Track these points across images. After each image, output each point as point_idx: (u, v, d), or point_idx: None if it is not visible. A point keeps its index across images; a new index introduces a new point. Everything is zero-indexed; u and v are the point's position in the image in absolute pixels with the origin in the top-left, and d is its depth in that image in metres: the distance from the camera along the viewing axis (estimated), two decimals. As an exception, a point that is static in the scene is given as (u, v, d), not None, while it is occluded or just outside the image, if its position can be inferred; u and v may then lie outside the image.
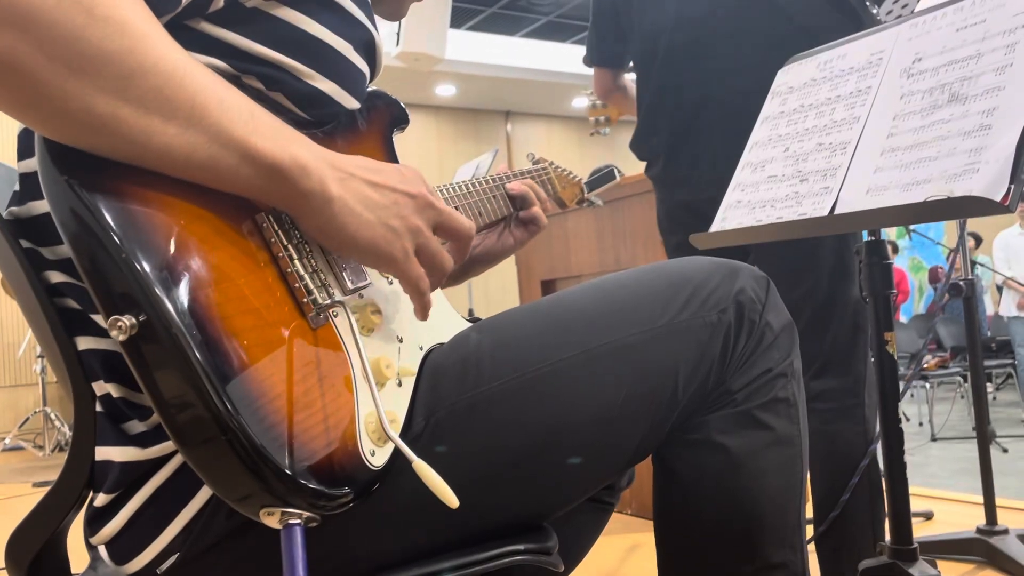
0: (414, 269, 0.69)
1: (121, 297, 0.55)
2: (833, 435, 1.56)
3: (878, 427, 1.12)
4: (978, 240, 7.82)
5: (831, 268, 1.57)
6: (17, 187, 0.70)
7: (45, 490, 0.71)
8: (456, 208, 0.96)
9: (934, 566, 1.08)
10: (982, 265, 4.39)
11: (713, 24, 1.61)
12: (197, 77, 0.58)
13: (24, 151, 0.69)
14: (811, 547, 1.60)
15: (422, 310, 0.72)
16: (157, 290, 0.55)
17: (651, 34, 1.72)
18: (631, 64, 1.93)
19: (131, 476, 0.67)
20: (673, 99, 1.69)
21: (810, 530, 1.05)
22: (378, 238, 0.66)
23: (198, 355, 0.55)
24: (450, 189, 0.98)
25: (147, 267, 0.55)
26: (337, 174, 0.65)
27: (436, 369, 0.75)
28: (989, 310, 8.20)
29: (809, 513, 1.32)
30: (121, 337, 0.54)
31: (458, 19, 8.04)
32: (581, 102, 9.91)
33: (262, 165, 0.60)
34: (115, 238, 0.55)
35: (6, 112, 0.54)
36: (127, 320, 0.54)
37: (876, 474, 1.55)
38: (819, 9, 1.53)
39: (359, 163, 0.68)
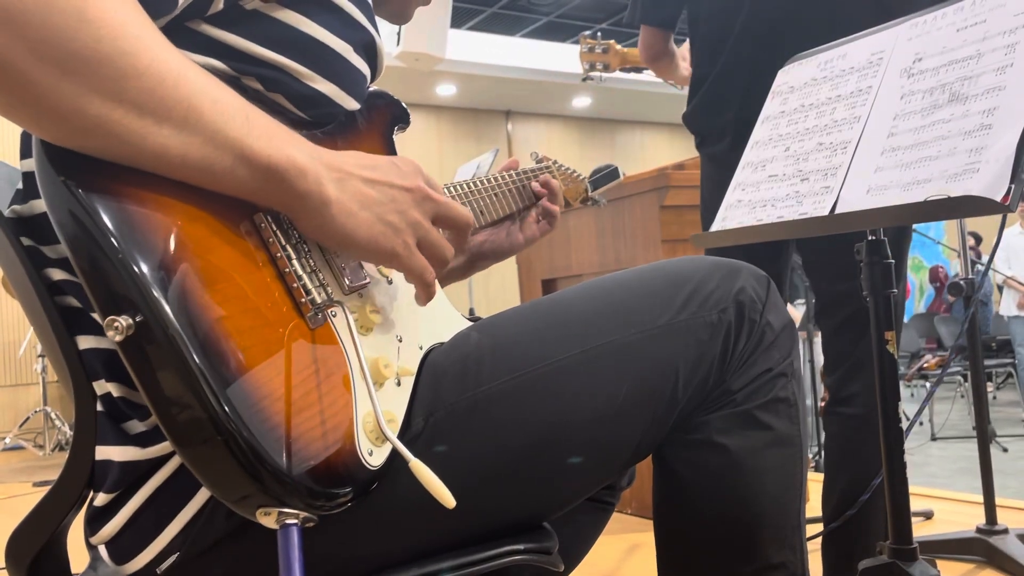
0: (418, 261, 0.70)
1: (118, 298, 0.55)
2: (857, 443, 1.54)
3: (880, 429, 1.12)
4: (978, 239, 7.82)
5: None
6: (20, 185, 0.70)
7: (45, 489, 0.71)
8: (465, 204, 0.98)
9: (934, 566, 1.08)
10: (984, 264, 4.39)
11: (804, 9, 1.53)
12: (192, 78, 0.58)
13: (26, 150, 0.69)
14: (816, 547, 1.60)
15: (426, 298, 0.73)
16: (154, 291, 0.55)
17: (726, 8, 1.63)
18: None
19: (131, 476, 0.67)
20: (748, 75, 1.58)
21: (810, 530, 1.05)
22: (378, 235, 0.67)
23: (195, 356, 0.55)
24: (459, 188, 1.00)
25: (144, 268, 0.55)
26: (334, 174, 0.64)
27: (436, 368, 0.75)
28: (991, 310, 8.19)
29: (810, 513, 1.32)
30: (118, 338, 0.54)
31: (458, 19, 8.04)
32: (582, 102, 9.91)
33: (257, 166, 0.60)
34: (112, 239, 0.55)
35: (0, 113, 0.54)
36: (124, 321, 0.54)
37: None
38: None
39: (355, 160, 0.68)
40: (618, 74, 2.25)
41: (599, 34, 2.12)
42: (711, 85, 1.69)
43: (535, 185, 1.13)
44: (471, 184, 1.02)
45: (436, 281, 0.73)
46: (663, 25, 1.87)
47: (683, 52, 2.01)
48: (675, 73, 1.93)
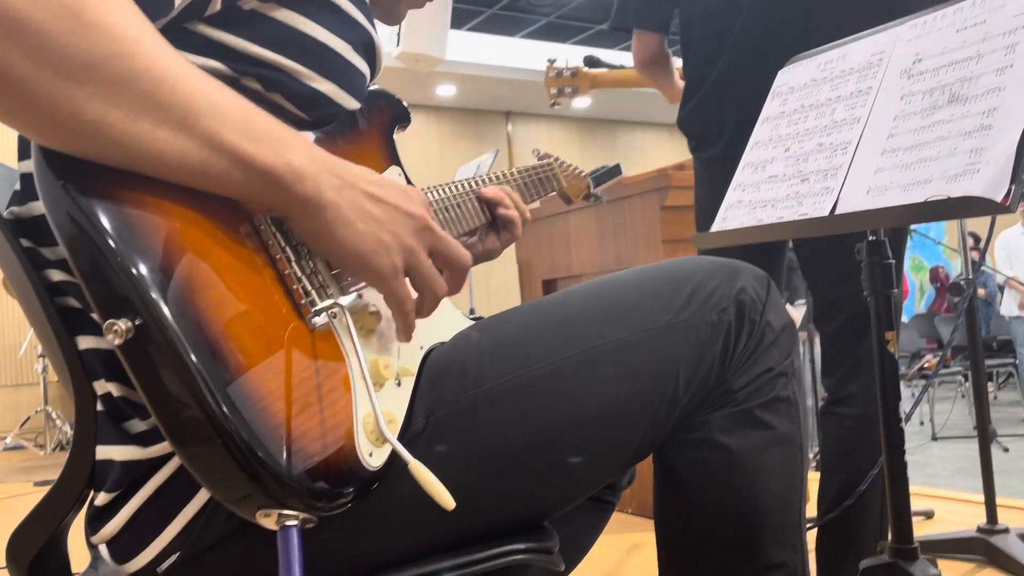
0: (401, 288, 0.68)
1: (117, 301, 0.55)
2: (855, 442, 1.53)
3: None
4: (977, 239, 7.82)
5: None
6: (18, 187, 0.70)
7: (46, 489, 0.72)
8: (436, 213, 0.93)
9: (935, 565, 1.08)
10: (987, 267, 4.40)
11: (806, 9, 1.52)
12: (189, 81, 0.57)
13: (24, 152, 0.69)
14: (816, 550, 1.60)
15: (404, 332, 0.70)
16: (153, 294, 0.55)
17: (724, 9, 1.61)
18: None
19: (132, 475, 0.67)
20: (747, 79, 1.55)
21: (811, 532, 1.05)
22: (368, 250, 0.65)
23: (194, 358, 0.55)
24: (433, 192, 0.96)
25: (143, 271, 0.55)
26: (334, 180, 0.64)
27: (436, 368, 0.75)
28: (995, 310, 8.19)
29: (810, 513, 1.32)
30: (117, 341, 0.54)
31: (459, 20, 8.03)
32: (581, 102, 9.91)
33: (254, 170, 0.60)
34: (111, 242, 0.55)
35: None
36: (123, 324, 0.54)
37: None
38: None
39: (361, 174, 0.67)
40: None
41: (567, 59, 2.05)
42: (709, 88, 1.67)
43: (484, 191, 1.04)
44: (442, 191, 0.98)
45: (422, 316, 0.71)
46: (659, 28, 1.82)
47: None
48: (668, 81, 1.88)
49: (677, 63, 1.94)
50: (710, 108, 1.68)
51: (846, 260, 1.53)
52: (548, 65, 2.01)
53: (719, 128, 1.66)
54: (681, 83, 1.97)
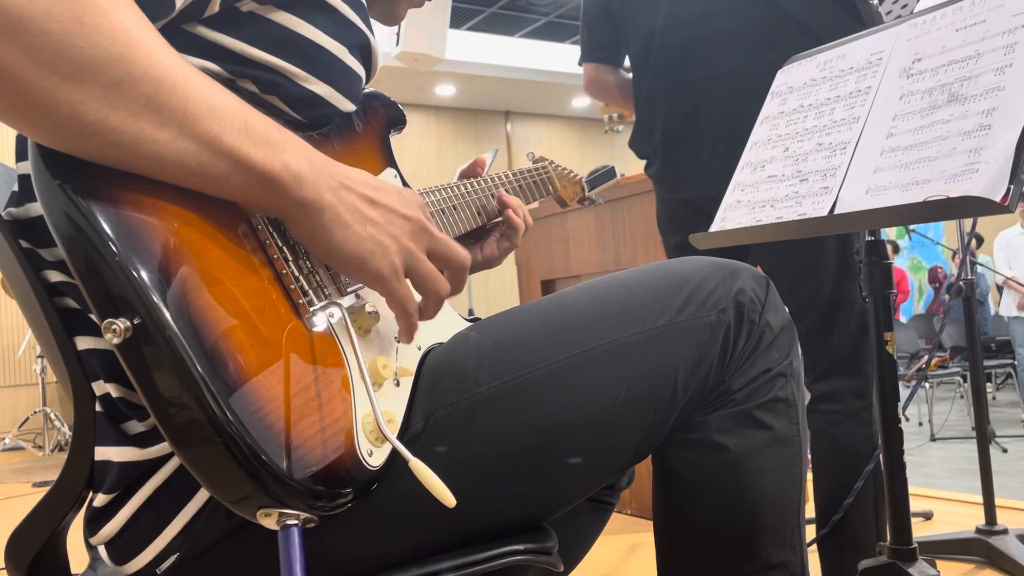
0: (402, 289, 0.68)
1: (116, 300, 0.55)
2: (838, 437, 1.55)
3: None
4: (979, 240, 7.82)
5: (835, 269, 1.56)
6: (16, 188, 0.70)
7: (45, 490, 0.71)
8: (433, 214, 0.93)
9: (934, 566, 1.08)
10: (982, 265, 4.40)
11: (709, 24, 1.60)
12: (190, 83, 0.57)
13: (22, 152, 0.69)
14: (815, 548, 1.60)
15: (407, 332, 0.70)
16: (151, 293, 0.54)
17: (644, 34, 1.71)
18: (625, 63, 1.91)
19: (130, 476, 0.67)
20: (666, 99, 1.67)
21: (811, 531, 1.05)
22: (367, 253, 0.65)
23: (193, 358, 0.55)
24: (432, 193, 0.96)
25: (141, 270, 0.55)
26: (332, 183, 0.64)
27: (435, 369, 0.75)
28: (990, 310, 8.20)
29: (810, 513, 1.32)
30: (116, 340, 0.54)
31: (458, 19, 8.04)
32: (581, 102, 9.91)
33: (253, 173, 0.60)
34: (109, 242, 0.54)
35: None
36: (122, 324, 0.54)
37: (880, 475, 1.54)
38: (820, 6, 1.52)
39: (359, 178, 0.67)
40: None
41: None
42: (642, 109, 1.75)
43: (500, 199, 1.04)
44: (447, 191, 0.98)
45: (426, 318, 0.72)
46: (607, 61, 1.92)
47: None
48: (629, 105, 1.96)
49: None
50: (643, 128, 1.76)
51: (799, 263, 1.57)
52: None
53: (652, 147, 1.74)
54: None
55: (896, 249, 8.19)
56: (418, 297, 0.71)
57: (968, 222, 2.19)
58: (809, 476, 1.34)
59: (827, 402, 1.57)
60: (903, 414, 1.11)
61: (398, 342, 0.74)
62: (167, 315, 0.54)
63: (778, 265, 1.60)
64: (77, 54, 0.52)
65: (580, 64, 1.97)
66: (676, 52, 1.65)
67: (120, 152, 0.56)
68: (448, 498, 0.62)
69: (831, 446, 1.56)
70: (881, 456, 1.09)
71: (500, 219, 1.07)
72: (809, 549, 0.87)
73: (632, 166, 1.94)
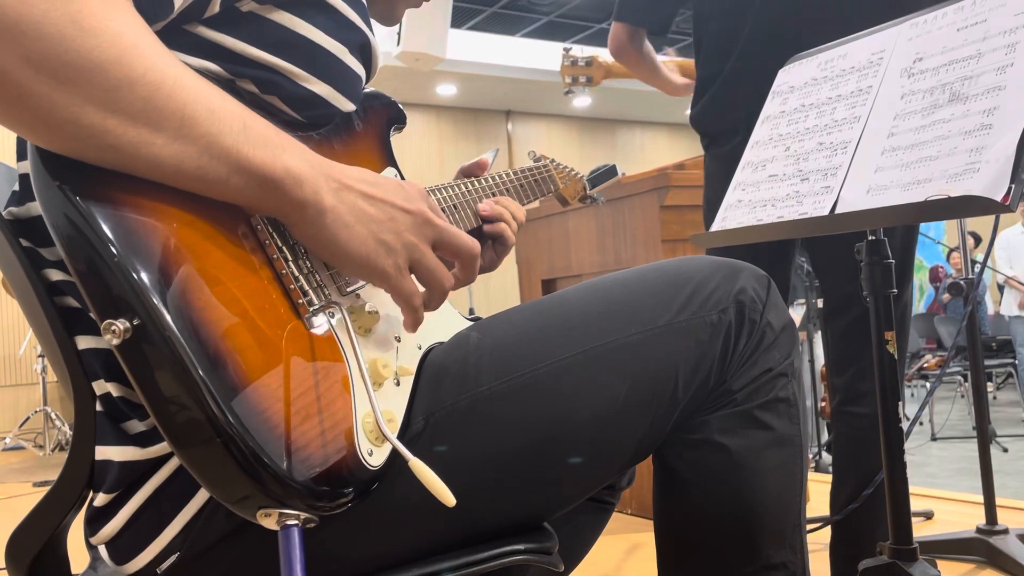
0: (406, 285, 0.68)
1: (115, 301, 0.55)
2: (867, 442, 1.53)
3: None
4: (977, 239, 7.82)
5: (899, 267, 1.52)
6: (16, 187, 0.70)
7: (45, 490, 0.71)
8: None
9: (934, 566, 1.08)
10: (984, 265, 4.39)
11: (817, 4, 1.52)
12: (188, 86, 0.57)
13: (23, 152, 0.69)
14: (825, 554, 1.60)
15: (413, 325, 0.71)
16: (151, 294, 0.54)
17: (736, 5, 1.62)
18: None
19: (131, 476, 0.67)
20: (760, 73, 1.52)
21: (810, 530, 1.05)
22: (370, 252, 0.65)
23: (192, 358, 0.55)
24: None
25: (141, 271, 0.55)
26: (332, 184, 0.64)
27: (435, 368, 0.75)
28: (990, 309, 8.20)
29: (809, 513, 1.32)
30: (115, 341, 0.54)
31: (459, 19, 8.04)
32: (582, 101, 9.91)
33: (252, 176, 0.60)
34: (108, 243, 0.54)
35: None
36: (121, 324, 0.54)
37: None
38: None
39: (358, 175, 0.67)
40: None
41: (582, 47, 2.07)
42: (721, 84, 1.67)
43: (482, 207, 1.00)
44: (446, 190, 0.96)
45: (431, 309, 0.72)
46: (640, 23, 1.84)
47: (682, 62, 1.99)
48: (649, 74, 1.90)
49: (664, 58, 1.95)
50: (722, 105, 1.68)
51: (855, 257, 1.52)
52: (564, 53, 2.03)
53: (732, 125, 1.65)
54: (678, 78, 1.98)
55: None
56: (422, 289, 0.71)
57: (969, 221, 2.19)
58: (810, 477, 1.33)
59: (859, 404, 1.54)
60: (904, 414, 1.11)
61: (398, 342, 0.74)
62: (167, 316, 0.54)
63: (835, 255, 1.55)
64: (74, 58, 0.52)
65: (618, 21, 1.88)
66: (778, 25, 1.56)
67: (118, 155, 0.56)
68: (448, 498, 0.62)
69: (858, 452, 1.53)
70: (882, 456, 1.09)
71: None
72: (811, 549, 0.87)
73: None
